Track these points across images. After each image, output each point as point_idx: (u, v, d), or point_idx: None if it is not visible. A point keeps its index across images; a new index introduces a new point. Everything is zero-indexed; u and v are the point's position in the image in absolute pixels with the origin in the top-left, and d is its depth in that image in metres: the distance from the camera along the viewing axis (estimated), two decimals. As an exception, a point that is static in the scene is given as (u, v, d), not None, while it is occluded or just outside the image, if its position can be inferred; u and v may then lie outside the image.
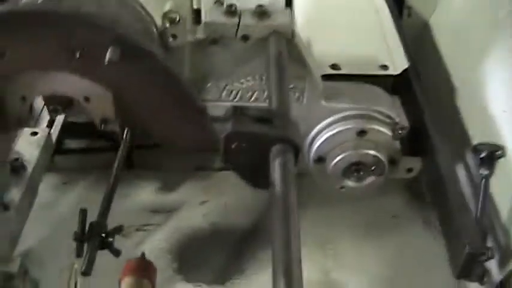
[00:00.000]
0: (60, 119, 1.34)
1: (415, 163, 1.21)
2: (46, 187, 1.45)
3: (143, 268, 0.91)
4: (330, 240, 1.31)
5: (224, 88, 1.15)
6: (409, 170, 1.23)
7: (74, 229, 1.09)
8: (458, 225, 0.99)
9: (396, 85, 1.23)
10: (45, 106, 1.09)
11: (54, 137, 1.30)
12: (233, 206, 1.40)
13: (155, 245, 1.28)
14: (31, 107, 0.92)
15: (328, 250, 1.28)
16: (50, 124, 1.28)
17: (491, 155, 0.98)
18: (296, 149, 0.85)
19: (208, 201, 1.41)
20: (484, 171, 0.99)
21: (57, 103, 1.06)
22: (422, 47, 1.36)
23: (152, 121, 0.85)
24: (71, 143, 1.63)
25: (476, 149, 0.99)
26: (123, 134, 0.89)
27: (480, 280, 1.03)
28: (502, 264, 1.09)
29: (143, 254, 0.93)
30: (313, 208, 1.38)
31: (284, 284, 0.69)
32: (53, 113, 1.07)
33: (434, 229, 1.34)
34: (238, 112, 0.85)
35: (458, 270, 0.99)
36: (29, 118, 0.92)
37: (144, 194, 1.43)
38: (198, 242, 1.29)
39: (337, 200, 1.40)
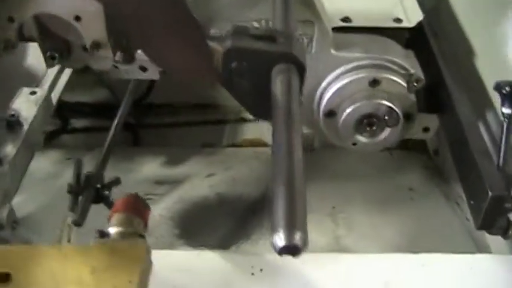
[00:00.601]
0: (62, 81, 1.31)
1: (431, 121, 1.14)
2: (49, 161, 1.42)
3: (136, 205, 0.84)
4: (343, 210, 1.23)
5: (228, 32, 1.09)
6: (426, 130, 1.15)
7: None
8: (479, 174, 0.91)
9: (410, 42, 1.16)
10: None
11: (54, 99, 1.27)
12: (240, 179, 1.34)
13: (157, 212, 1.21)
14: (20, 30, 0.87)
15: (340, 219, 1.21)
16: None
17: (515, 91, 0.91)
18: (301, 69, 0.78)
19: (215, 174, 1.34)
20: (507, 110, 0.91)
21: (54, 48, 1.01)
22: (438, 12, 1.30)
23: (146, 41, 0.79)
24: (76, 123, 1.61)
25: (499, 86, 0.92)
26: (115, 59, 0.83)
27: (504, 233, 0.94)
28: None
29: (136, 193, 0.86)
30: (328, 181, 1.32)
31: (284, 193, 0.61)
32: (50, 61, 1.02)
33: (453, 203, 1.27)
34: (238, 30, 0.80)
35: (480, 219, 0.91)
36: (16, 42, 0.87)
37: (149, 167, 1.38)
38: (203, 211, 1.23)
39: (353, 174, 1.35)
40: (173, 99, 1.59)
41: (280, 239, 0.58)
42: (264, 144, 1.48)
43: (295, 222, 0.59)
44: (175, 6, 0.77)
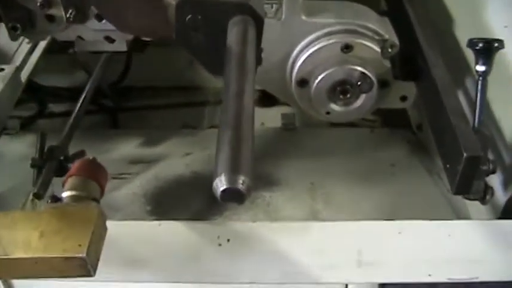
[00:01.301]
0: (32, 60, 1.28)
1: (408, 89, 1.10)
2: (25, 144, 1.38)
3: (91, 169, 0.80)
4: (322, 186, 1.20)
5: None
6: (403, 98, 1.12)
7: None
8: (455, 136, 0.88)
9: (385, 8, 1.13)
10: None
11: (24, 76, 1.24)
12: (218, 158, 1.29)
13: (130, 190, 1.18)
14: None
15: (319, 195, 1.17)
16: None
17: (488, 46, 0.87)
18: (258, 22, 0.75)
19: (192, 154, 1.31)
20: (481, 67, 0.88)
21: (15, 19, 0.99)
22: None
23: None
24: (54, 107, 1.58)
25: (472, 43, 0.88)
26: (68, 19, 0.80)
27: (482, 198, 0.90)
28: (506, 184, 0.97)
29: (94, 158, 0.83)
30: (308, 159, 1.28)
31: (230, 137, 0.58)
32: (13, 33, 1.00)
33: (436, 176, 1.23)
34: (193, -18, 0.76)
35: (456, 183, 0.87)
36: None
37: (126, 148, 1.35)
38: (177, 188, 1.20)
39: (334, 152, 1.31)
40: (152, 82, 1.56)
41: (221, 183, 0.55)
42: (245, 125, 1.44)
43: (238, 165, 0.56)
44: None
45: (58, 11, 0.81)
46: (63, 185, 0.79)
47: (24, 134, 1.43)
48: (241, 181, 0.55)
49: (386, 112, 1.34)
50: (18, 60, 1.25)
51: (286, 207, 1.13)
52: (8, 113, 1.14)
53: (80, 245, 0.71)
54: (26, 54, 1.25)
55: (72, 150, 1.30)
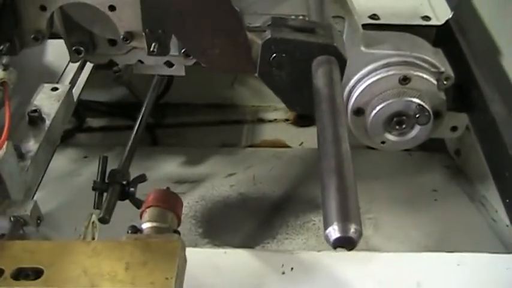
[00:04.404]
0: (83, 77, 1.29)
1: (460, 120, 1.12)
2: (67, 160, 1.40)
3: (169, 199, 0.82)
4: (368, 211, 1.21)
5: (260, 28, 1.07)
6: (454, 129, 1.14)
7: (91, 198, 1.02)
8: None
9: (437, 40, 1.15)
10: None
11: (75, 95, 1.25)
12: (262, 178, 1.31)
13: (179, 211, 1.19)
14: (51, 20, 0.85)
15: (366, 220, 1.19)
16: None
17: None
18: (342, 62, 0.77)
19: (236, 174, 1.32)
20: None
21: (80, 42, 1.00)
22: (465, 9, 1.29)
23: (183, 32, 0.77)
24: (93, 122, 1.59)
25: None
26: (150, 50, 0.81)
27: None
28: None
29: (168, 188, 0.84)
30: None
31: (336, 184, 0.59)
32: (76, 56, 1.01)
33: (478, 203, 1.25)
34: (277, 21, 0.78)
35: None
36: (47, 32, 0.85)
37: (169, 167, 1.36)
38: (225, 210, 1.21)
39: (376, 174, 1.33)
40: (190, 99, 1.57)
41: (334, 232, 0.56)
42: (284, 145, 1.46)
43: (349, 214, 0.57)
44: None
45: (140, 44, 0.83)
46: (140, 216, 0.80)
47: (63, 148, 1.44)
48: (353, 230, 0.57)
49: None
50: (67, 78, 1.27)
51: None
52: (61, 132, 1.15)
53: (167, 278, 0.72)
54: (75, 71, 1.26)
55: (110, 163, 1.32)
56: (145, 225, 0.79)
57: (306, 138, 1.47)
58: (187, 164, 1.36)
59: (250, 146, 1.47)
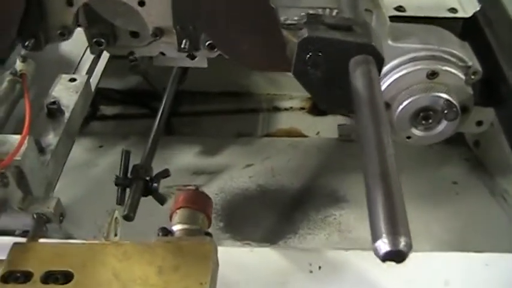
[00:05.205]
0: (99, 67, 1.27)
1: (486, 115, 1.10)
2: (82, 150, 1.38)
3: (199, 200, 0.80)
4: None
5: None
6: (479, 123, 1.12)
7: (110, 190, 1.00)
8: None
9: (463, 32, 1.13)
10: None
11: (93, 85, 1.22)
12: (280, 170, 1.30)
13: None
14: (77, 15, 0.82)
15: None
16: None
17: None
18: (379, 61, 0.75)
19: (253, 165, 1.31)
20: None
21: (101, 34, 0.97)
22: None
23: (216, 29, 0.75)
24: (106, 110, 1.56)
25: None
26: (180, 47, 0.79)
27: None
28: None
29: (197, 187, 0.82)
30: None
31: (382, 195, 0.58)
32: (96, 47, 0.98)
33: (500, 197, 1.24)
34: (313, 19, 0.75)
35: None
36: (74, 27, 0.83)
37: (185, 157, 1.34)
38: (245, 203, 1.20)
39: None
40: (205, 87, 1.55)
41: (384, 245, 0.55)
42: (300, 134, 1.44)
43: (398, 226, 0.56)
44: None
45: (171, 39, 0.80)
46: (170, 217, 0.79)
47: (78, 137, 1.42)
48: (404, 243, 0.55)
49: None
50: (84, 67, 1.24)
51: (358, 227, 1.14)
52: (80, 124, 1.13)
53: (201, 283, 0.71)
54: (92, 61, 1.23)
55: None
56: (176, 227, 0.77)
57: (322, 127, 1.45)
58: (204, 154, 1.35)
59: (266, 135, 1.45)
